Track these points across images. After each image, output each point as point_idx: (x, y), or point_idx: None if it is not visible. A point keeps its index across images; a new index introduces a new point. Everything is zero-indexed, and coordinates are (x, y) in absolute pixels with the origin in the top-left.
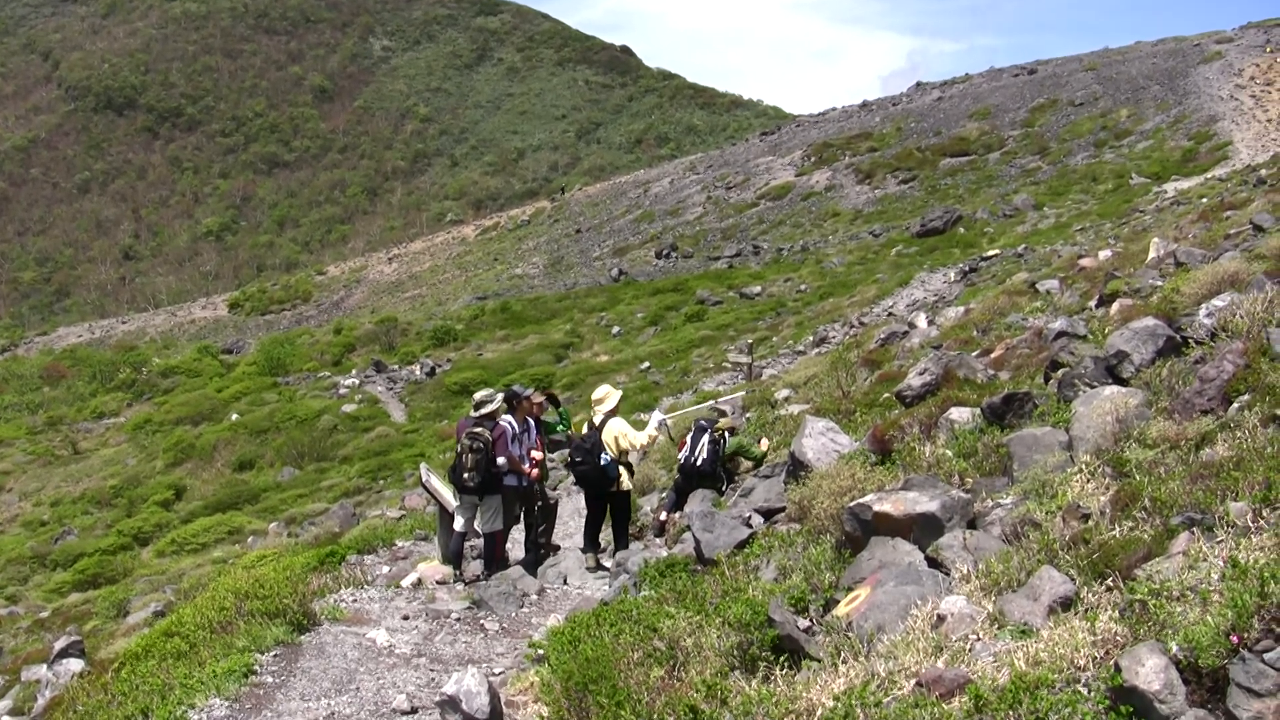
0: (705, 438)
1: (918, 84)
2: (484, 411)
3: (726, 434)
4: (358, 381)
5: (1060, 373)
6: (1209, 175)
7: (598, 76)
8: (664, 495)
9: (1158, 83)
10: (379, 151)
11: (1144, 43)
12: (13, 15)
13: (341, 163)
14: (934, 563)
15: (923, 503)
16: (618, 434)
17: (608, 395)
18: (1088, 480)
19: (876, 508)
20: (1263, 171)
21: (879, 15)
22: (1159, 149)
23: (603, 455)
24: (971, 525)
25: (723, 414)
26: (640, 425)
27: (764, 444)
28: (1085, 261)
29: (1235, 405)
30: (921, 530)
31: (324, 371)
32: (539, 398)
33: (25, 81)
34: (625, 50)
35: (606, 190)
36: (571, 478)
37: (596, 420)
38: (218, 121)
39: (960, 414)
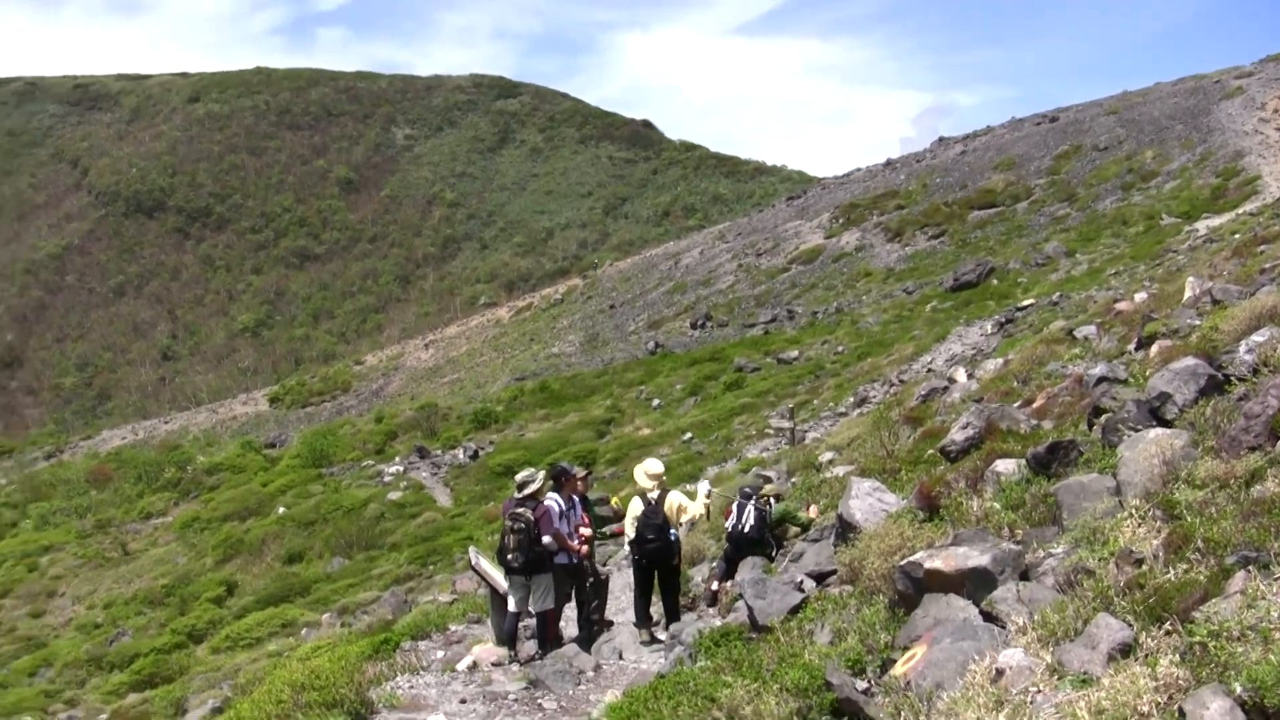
0: (751, 505)
1: (940, 139)
2: (527, 492)
3: (772, 500)
4: (402, 468)
5: (1103, 418)
6: (1240, 211)
7: (621, 152)
8: (714, 565)
9: (1180, 122)
10: (408, 239)
11: (1163, 83)
12: (40, 126)
13: (372, 252)
14: (989, 616)
15: (974, 557)
16: (679, 505)
17: (662, 469)
18: (1138, 524)
19: (928, 565)
20: None
21: (893, 75)
22: (1187, 188)
23: (671, 530)
24: (1024, 577)
25: (768, 480)
26: (691, 495)
27: (812, 510)
28: (1121, 305)
29: None
30: (974, 585)
31: (367, 460)
32: (583, 473)
33: (56, 190)
34: (646, 124)
35: (637, 264)
36: (625, 553)
37: (653, 496)
38: (247, 219)
39: (1005, 466)
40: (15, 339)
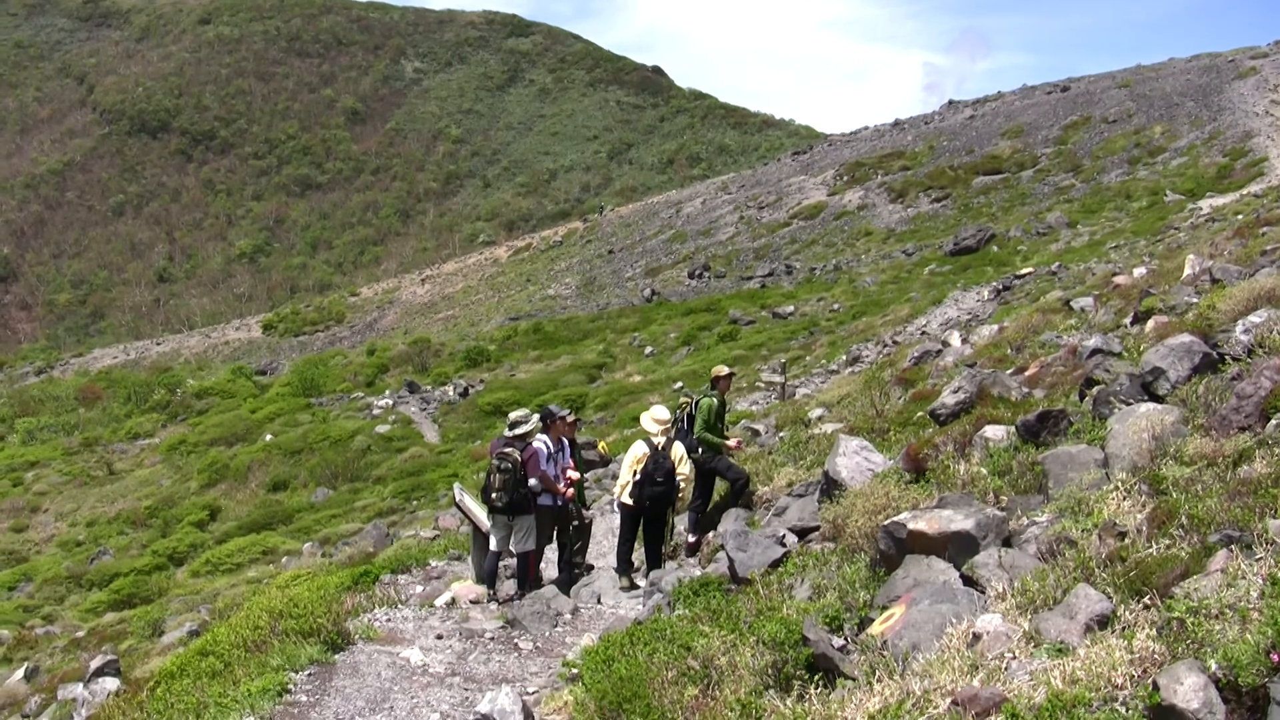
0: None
1: (950, 102)
2: (517, 432)
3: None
4: (391, 402)
5: (1095, 390)
6: (1244, 191)
7: (629, 97)
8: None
9: (1192, 99)
10: (411, 173)
11: (1177, 59)
12: (48, 40)
13: (374, 184)
14: (969, 581)
15: (957, 521)
16: (681, 456)
17: (668, 416)
18: (1124, 498)
19: (911, 526)
20: None
21: (909, 34)
22: (1193, 166)
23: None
24: (1007, 544)
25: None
26: None
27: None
28: (1120, 279)
29: (1273, 422)
30: (956, 549)
31: (357, 393)
32: (572, 417)
33: (60, 106)
34: (657, 70)
35: (639, 211)
36: (609, 497)
37: (659, 441)
38: (251, 144)
39: (995, 432)
40: (12, 253)
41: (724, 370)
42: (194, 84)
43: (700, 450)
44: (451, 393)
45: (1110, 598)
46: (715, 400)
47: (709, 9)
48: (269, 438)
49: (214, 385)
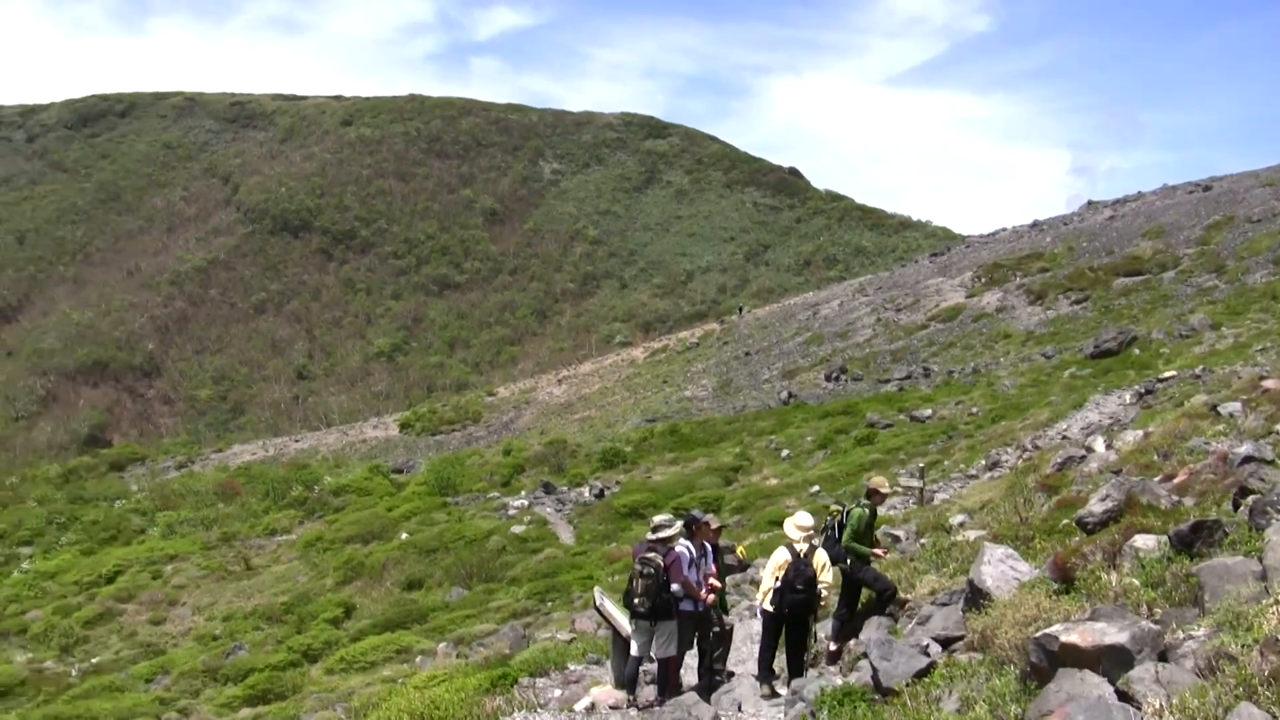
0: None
1: (1089, 203)
2: (660, 535)
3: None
4: (526, 503)
5: (1250, 499)
6: None
7: (766, 198)
8: (834, 623)
9: None
10: (548, 273)
11: None
12: (195, 141)
13: (511, 284)
14: (1124, 696)
15: (1111, 634)
16: (824, 563)
17: (812, 523)
18: None
19: (1064, 638)
20: None
21: (1044, 132)
22: None
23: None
24: (1162, 658)
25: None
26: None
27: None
28: (1268, 383)
29: None
30: (1110, 662)
31: (493, 492)
32: (717, 523)
33: (206, 204)
34: (793, 172)
35: (775, 312)
36: (751, 603)
37: (801, 548)
38: (390, 244)
39: (1145, 542)
40: (156, 348)
41: (884, 486)
42: (335, 184)
43: (848, 560)
44: (587, 494)
45: (1275, 717)
46: (866, 511)
47: (845, 109)
48: (404, 536)
49: (351, 483)
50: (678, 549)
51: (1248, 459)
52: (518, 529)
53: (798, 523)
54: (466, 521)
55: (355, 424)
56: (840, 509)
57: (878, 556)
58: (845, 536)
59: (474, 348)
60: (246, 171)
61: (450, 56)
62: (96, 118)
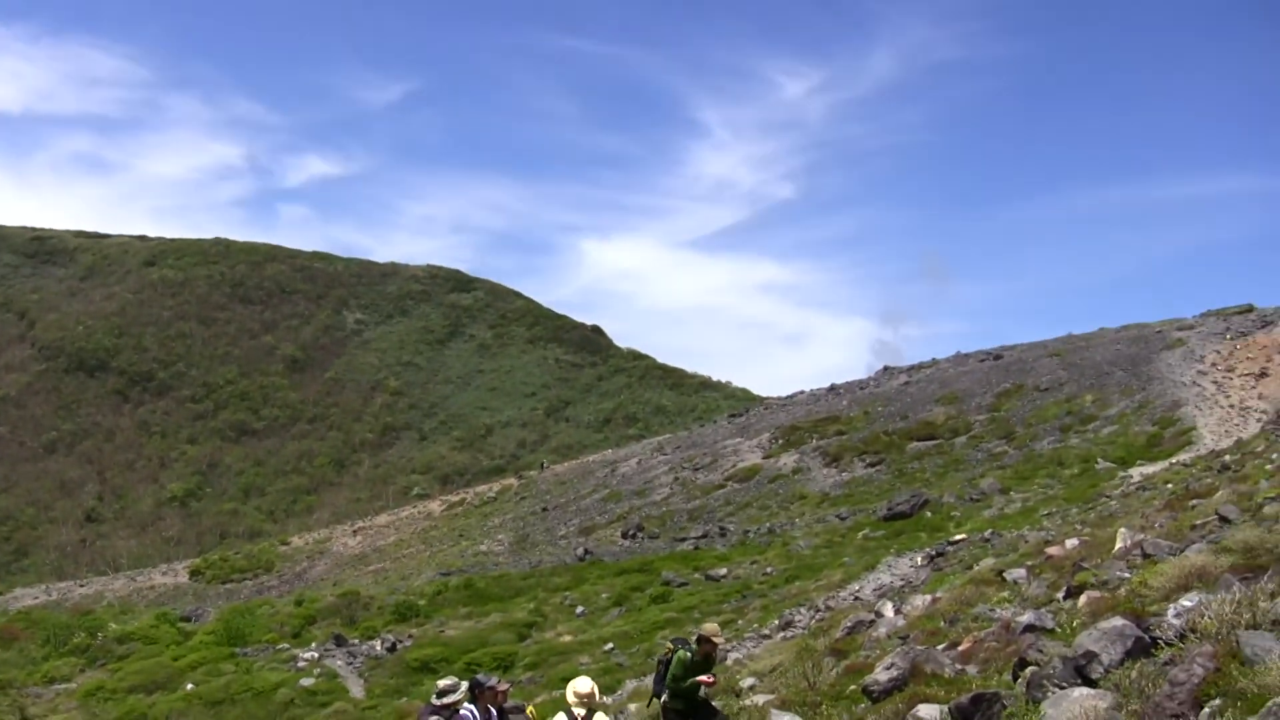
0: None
1: (885, 368)
2: (444, 700)
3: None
4: (317, 655)
5: (1029, 671)
6: (1174, 460)
7: (568, 355)
8: None
9: (1122, 368)
10: (348, 423)
11: (1107, 329)
12: None
13: (310, 433)
14: None
15: None
16: None
17: (594, 690)
18: None
19: None
20: (1227, 458)
21: (844, 299)
22: (1124, 434)
23: None
24: None
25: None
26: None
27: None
28: (1053, 550)
29: (1206, 710)
30: None
31: (284, 643)
32: (505, 685)
33: (0, 340)
34: (596, 330)
35: (574, 469)
36: None
37: (579, 713)
38: (189, 387)
39: (928, 711)
40: None
41: (716, 635)
42: (135, 324)
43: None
44: (379, 647)
45: None
46: (689, 655)
47: (651, 270)
48: (190, 687)
49: (137, 630)
50: (462, 713)
51: (1029, 628)
52: (307, 681)
53: (575, 689)
54: (255, 673)
55: (144, 570)
56: (672, 646)
57: (707, 684)
58: (668, 679)
59: (270, 495)
60: (44, 308)
61: (258, 202)
62: None
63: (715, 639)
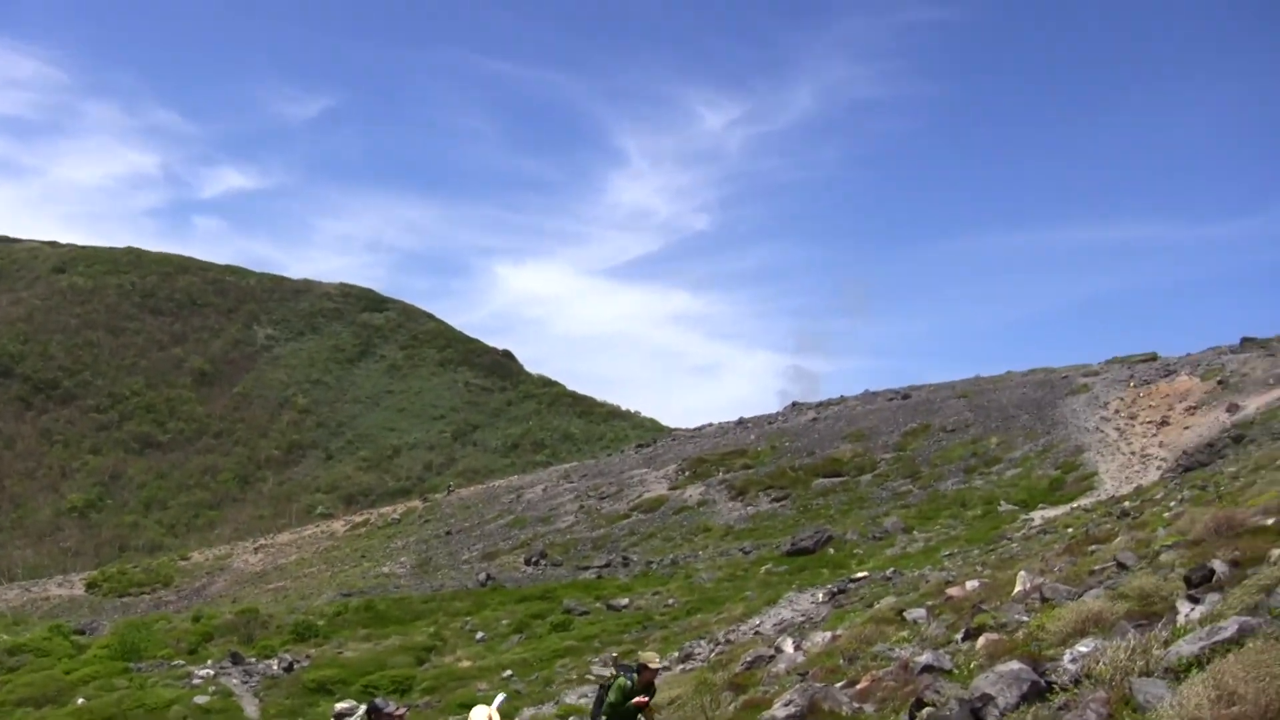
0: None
1: (794, 404)
2: None
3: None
4: (213, 673)
5: (925, 712)
6: (1075, 505)
7: (478, 379)
8: None
9: (1027, 412)
10: (254, 439)
11: (1015, 372)
12: None
13: (215, 448)
14: None
15: None
16: None
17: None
18: None
19: None
20: (1126, 504)
21: (757, 334)
22: (1027, 477)
23: None
24: None
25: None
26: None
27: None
28: (953, 590)
29: None
30: None
31: (179, 660)
32: (403, 710)
33: None
34: (507, 354)
35: (479, 493)
36: None
37: None
38: (94, 397)
39: None
40: None
41: (654, 661)
42: (42, 331)
43: None
44: (276, 667)
45: None
46: (629, 682)
47: (565, 296)
48: (81, 701)
49: (28, 642)
50: None
51: (927, 668)
52: (201, 699)
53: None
54: (148, 689)
55: (40, 581)
56: (611, 674)
57: (641, 705)
58: (605, 706)
59: (172, 509)
60: None
61: (172, 212)
62: None
63: (653, 665)
